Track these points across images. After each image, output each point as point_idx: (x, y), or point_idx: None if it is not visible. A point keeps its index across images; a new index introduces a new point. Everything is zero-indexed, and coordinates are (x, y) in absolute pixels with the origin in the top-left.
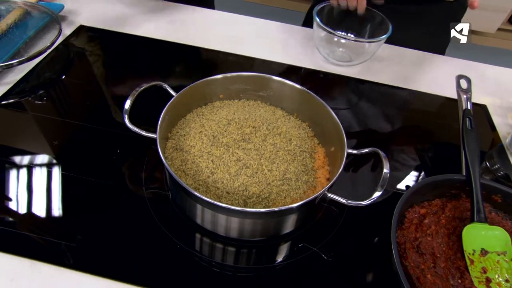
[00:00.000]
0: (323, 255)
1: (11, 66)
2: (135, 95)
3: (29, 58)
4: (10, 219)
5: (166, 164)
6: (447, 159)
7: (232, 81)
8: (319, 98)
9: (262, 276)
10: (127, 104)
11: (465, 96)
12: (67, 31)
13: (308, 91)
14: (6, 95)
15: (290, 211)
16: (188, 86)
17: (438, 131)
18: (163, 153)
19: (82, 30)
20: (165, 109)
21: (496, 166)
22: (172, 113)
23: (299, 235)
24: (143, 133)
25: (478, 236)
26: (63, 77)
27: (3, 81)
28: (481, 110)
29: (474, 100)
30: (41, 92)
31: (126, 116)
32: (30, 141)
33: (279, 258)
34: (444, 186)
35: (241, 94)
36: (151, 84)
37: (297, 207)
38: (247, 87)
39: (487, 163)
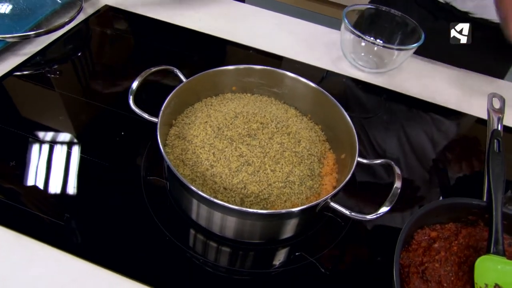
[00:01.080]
0: (320, 267)
1: (28, 38)
2: (144, 77)
3: (47, 31)
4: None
5: (163, 151)
6: (467, 182)
7: (244, 74)
8: (334, 100)
9: (255, 281)
10: (134, 85)
11: (496, 116)
12: (91, 10)
13: (323, 91)
14: (21, 66)
15: (288, 215)
16: (198, 74)
17: (461, 151)
18: (164, 139)
19: (105, 10)
20: (172, 94)
21: None
22: (179, 99)
23: (297, 243)
24: (146, 116)
25: (493, 270)
26: (79, 53)
27: (21, 52)
28: None
29: (506, 122)
30: (55, 66)
31: (131, 97)
32: (36, 113)
33: (275, 265)
34: (460, 210)
35: (255, 89)
36: (161, 67)
37: (295, 212)
38: (261, 82)
39: None
